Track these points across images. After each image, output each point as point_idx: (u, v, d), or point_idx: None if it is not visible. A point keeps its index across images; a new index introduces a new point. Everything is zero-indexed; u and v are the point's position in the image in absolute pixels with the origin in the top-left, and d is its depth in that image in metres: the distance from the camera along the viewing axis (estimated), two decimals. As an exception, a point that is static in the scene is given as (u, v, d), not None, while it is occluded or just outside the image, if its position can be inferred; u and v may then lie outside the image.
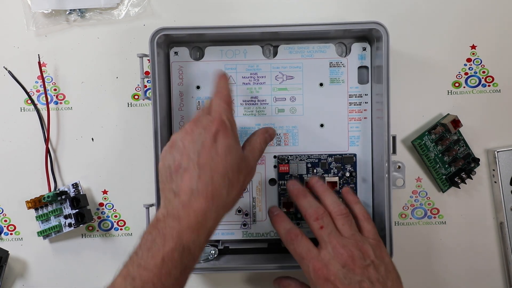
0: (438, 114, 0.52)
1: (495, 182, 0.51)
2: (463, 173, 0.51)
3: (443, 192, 0.52)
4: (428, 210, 0.53)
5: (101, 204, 0.53)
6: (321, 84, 0.48)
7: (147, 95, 0.47)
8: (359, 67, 0.48)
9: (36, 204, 0.50)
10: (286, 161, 0.49)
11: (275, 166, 0.49)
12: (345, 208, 0.43)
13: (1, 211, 0.53)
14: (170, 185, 0.37)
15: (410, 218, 0.53)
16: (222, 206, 0.37)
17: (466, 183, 0.51)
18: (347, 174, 0.49)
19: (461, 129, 0.51)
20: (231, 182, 0.37)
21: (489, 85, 0.52)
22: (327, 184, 0.49)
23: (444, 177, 0.51)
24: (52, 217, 0.51)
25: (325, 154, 0.49)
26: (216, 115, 0.39)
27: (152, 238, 0.35)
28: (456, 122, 0.49)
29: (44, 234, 0.51)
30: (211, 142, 0.37)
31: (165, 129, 0.47)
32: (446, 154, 0.51)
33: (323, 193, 0.45)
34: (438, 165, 0.51)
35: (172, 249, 0.34)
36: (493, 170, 0.51)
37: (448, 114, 0.51)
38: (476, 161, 0.51)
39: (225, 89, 0.42)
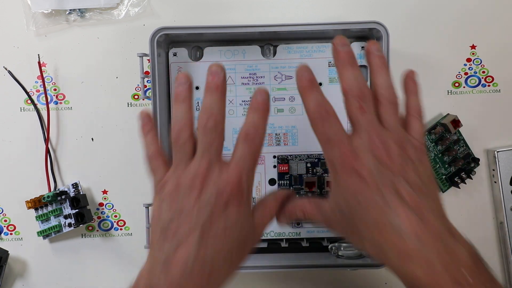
0: (438, 114, 0.52)
1: (495, 182, 0.51)
2: (463, 173, 0.51)
3: (443, 192, 0.52)
4: (428, 210, 0.52)
5: (101, 204, 0.53)
6: (320, 84, 0.48)
7: (147, 94, 0.47)
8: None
9: (36, 204, 0.50)
10: (286, 161, 0.49)
11: (274, 166, 0.49)
12: (398, 96, 0.35)
13: (1, 211, 0.53)
14: (160, 251, 0.31)
15: (410, 218, 0.53)
16: (216, 286, 0.32)
17: (466, 183, 0.51)
18: (347, 174, 0.49)
19: (461, 129, 0.51)
20: (233, 262, 0.32)
21: (489, 85, 0.52)
22: (326, 184, 0.48)
23: (444, 177, 0.51)
24: (52, 217, 0.51)
25: (325, 154, 0.49)
26: (235, 175, 0.32)
27: None
28: (456, 122, 0.49)
29: (44, 234, 0.51)
30: (221, 210, 0.31)
31: (165, 130, 0.47)
32: (446, 154, 0.51)
33: (378, 69, 0.35)
34: (438, 165, 0.51)
35: None
36: (493, 170, 0.51)
37: (448, 114, 0.51)
38: (476, 161, 0.51)
39: (260, 129, 0.33)
